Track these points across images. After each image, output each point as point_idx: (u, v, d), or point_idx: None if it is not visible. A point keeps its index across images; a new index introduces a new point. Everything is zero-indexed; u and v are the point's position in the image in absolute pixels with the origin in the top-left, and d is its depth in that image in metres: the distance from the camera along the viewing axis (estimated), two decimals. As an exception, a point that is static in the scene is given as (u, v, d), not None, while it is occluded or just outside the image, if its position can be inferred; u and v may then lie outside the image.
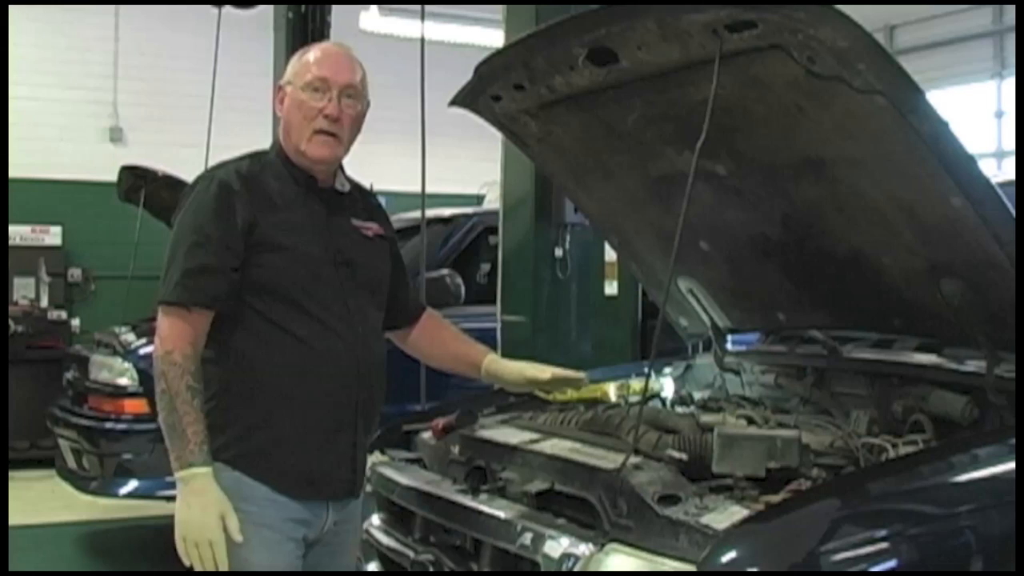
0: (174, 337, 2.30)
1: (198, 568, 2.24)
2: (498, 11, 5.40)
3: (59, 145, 10.29)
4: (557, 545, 2.17)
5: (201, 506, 2.23)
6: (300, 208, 2.43)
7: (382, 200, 2.75)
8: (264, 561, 2.33)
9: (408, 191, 6.26)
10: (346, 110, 2.43)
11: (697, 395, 3.31)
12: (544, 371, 2.69)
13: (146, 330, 5.77)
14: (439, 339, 2.79)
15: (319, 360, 2.37)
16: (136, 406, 5.52)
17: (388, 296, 2.61)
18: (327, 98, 2.41)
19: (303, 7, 6.45)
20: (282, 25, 6.54)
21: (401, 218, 6.47)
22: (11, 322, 8.48)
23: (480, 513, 2.44)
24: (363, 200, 2.63)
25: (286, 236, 2.37)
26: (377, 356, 2.49)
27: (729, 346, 3.50)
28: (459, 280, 5.50)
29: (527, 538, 2.24)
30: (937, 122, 2.19)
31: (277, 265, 2.36)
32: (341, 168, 2.57)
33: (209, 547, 2.22)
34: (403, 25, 9.91)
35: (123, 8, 10.61)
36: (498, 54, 2.83)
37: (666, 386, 3.41)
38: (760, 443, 2.27)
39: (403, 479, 2.81)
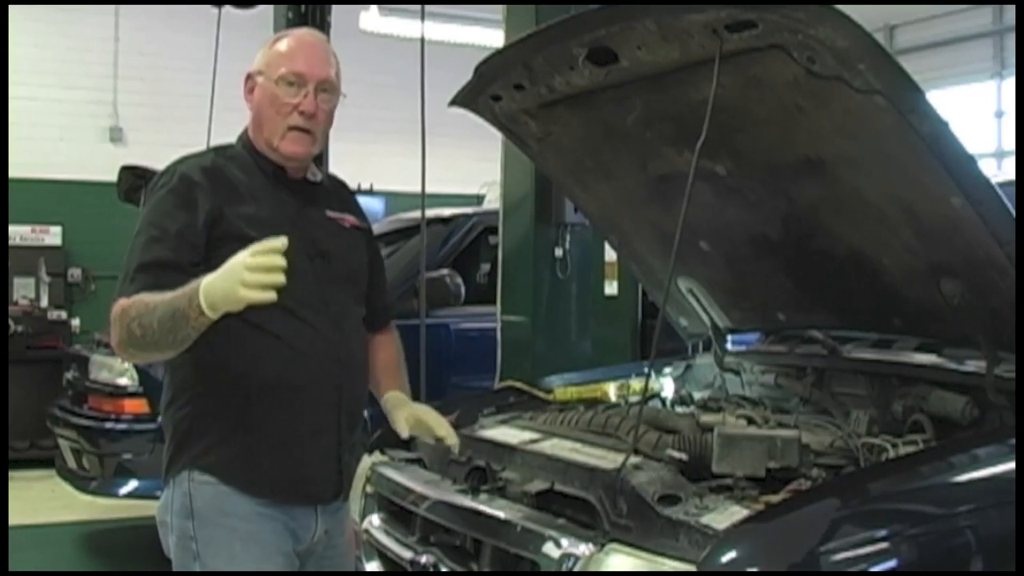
0: (119, 305, 2.13)
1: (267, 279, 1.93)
2: (498, 11, 5.41)
3: (59, 145, 10.31)
4: (557, 545, 2.17)
5: (220, 276, 1.97)
6: (269, 200, 2.30)
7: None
8: None
9: (408, 191, 6.23)
10: (322, 105, 2.31)
11: (697, 395, 3.31)
12: (441, 425, 2.44)
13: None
14: (372, 357, 2.50)
15: (298, 358, 2.24)
16: (136, 406, 5.51)
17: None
18: (303, 93, 2.28)
19: (303, 7, 6.45)
20: (282, 25, 6.51)
21: (401, 218, 6.47)
22: (11, 322, 8.46)
23: (480, 513, 2.43)
24: (336, 192, 2.52)
25: (254, 228, 2.16)
26: (359, 351, 2.38)
27: (729, 346, 3.50)
28: (459, 280, 5.49)
29: (527, 538, 2.24)
30: (937, 122, 2.19)
31: None
32: (314, 161, 2.45)
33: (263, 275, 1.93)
34: (403, 25, 9.91)
35: (123, 8, 10.63)
36: (498, 54, 2.83)
37: (666, 386, 3.41)
38: (760, 443, 2.28)
39: (403, 479, 2.80)
